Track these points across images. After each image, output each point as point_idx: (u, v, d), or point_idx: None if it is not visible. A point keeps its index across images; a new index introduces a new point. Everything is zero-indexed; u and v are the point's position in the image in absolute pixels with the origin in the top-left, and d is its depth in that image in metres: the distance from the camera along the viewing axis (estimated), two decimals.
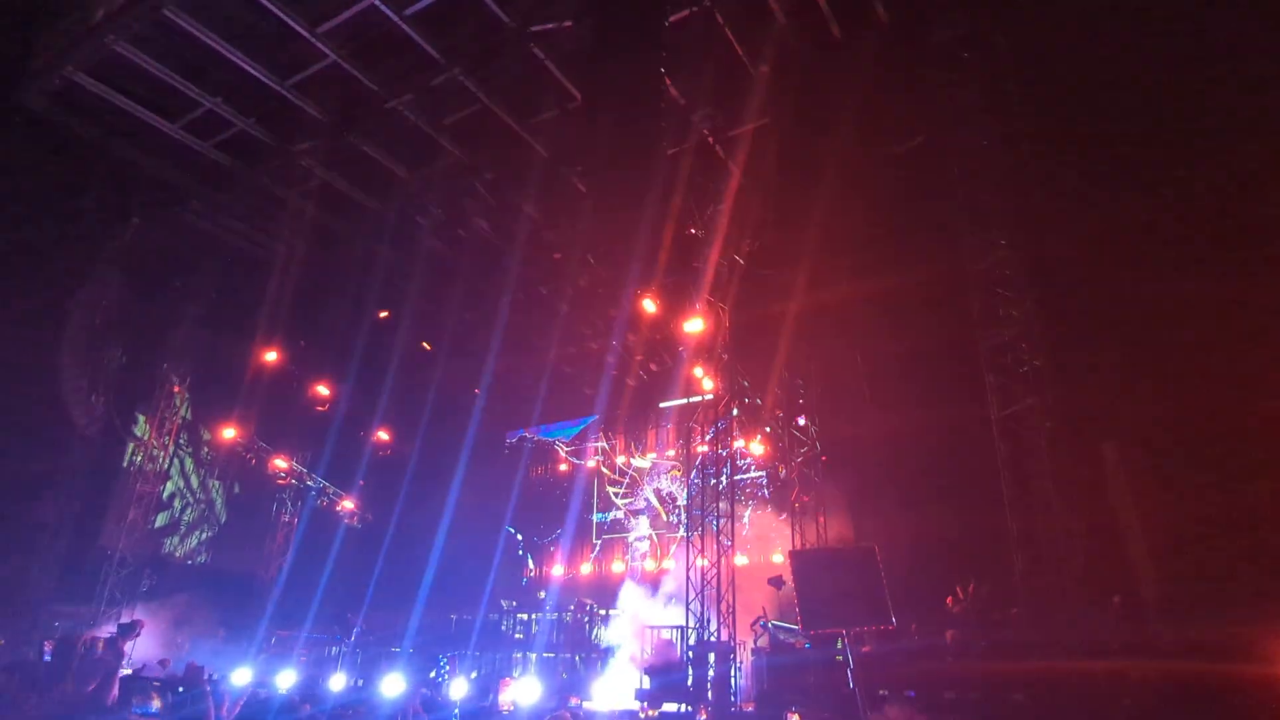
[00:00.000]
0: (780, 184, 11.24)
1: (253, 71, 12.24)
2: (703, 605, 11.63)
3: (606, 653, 13.21)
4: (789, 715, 7.48)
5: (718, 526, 12.32)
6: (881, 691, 8.11)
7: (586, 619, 14.20)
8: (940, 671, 8.32)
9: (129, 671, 9.35)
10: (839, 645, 7.97)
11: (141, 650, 12.81)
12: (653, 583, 15.05)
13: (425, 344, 16.58)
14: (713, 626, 11.26)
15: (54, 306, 14.48)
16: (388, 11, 11.04)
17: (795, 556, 6.70)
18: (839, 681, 7.31)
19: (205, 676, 5.44)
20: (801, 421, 14.14)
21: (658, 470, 17.08)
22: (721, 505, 12.41)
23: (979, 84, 10.48)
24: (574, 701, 8.33)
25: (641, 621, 13.50)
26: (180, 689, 6.31)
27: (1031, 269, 10.31)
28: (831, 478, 13.59)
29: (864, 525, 12.88)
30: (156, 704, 4.81)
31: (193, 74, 12.46)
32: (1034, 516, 9.49)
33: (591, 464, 18.32)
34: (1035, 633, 8.77)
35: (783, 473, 13.75)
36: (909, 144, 11.31)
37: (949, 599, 10.00)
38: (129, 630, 11.04)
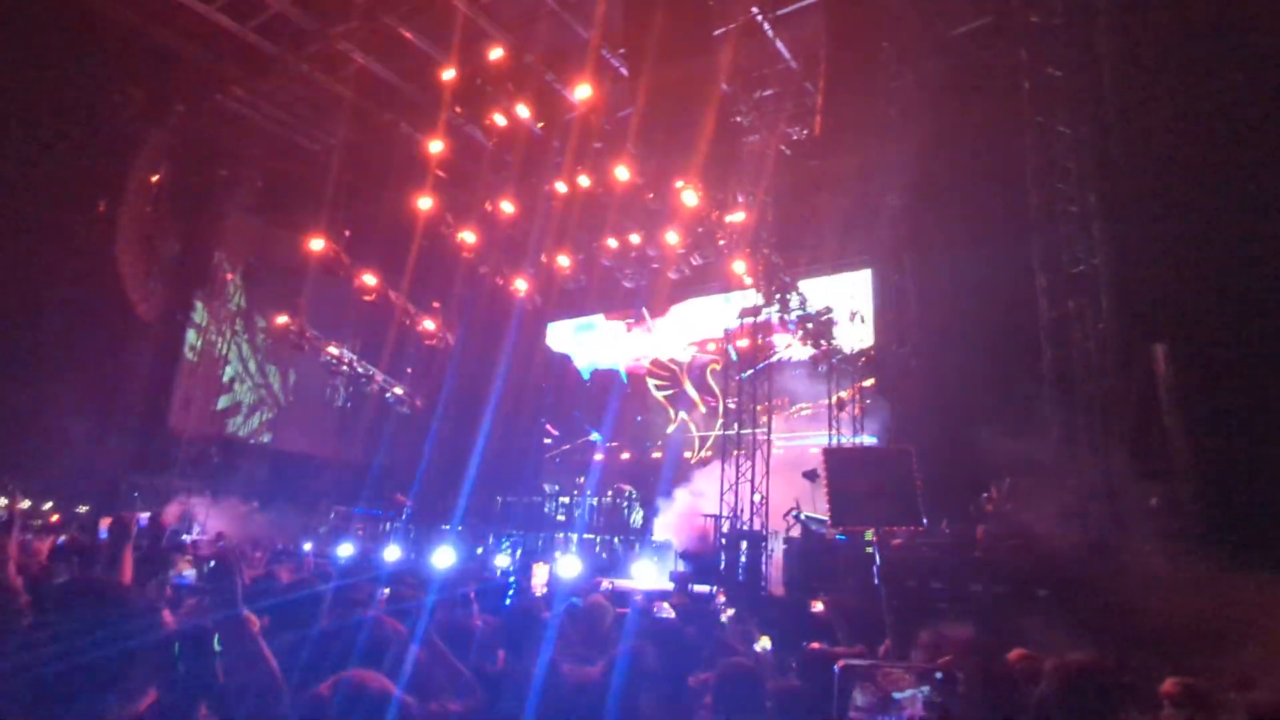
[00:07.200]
0: (832, 68, 10.57)
1: None
2: (736, 495, 11.97)
3: (644, 534, 13.75)
4: (815, 601, 7.76)
5: (753, 420, 12.50)
6: (909, 583, 8.36)
7: (624, 503, 14.75)
8: (968, 566, 8.50)
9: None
10: (868, 539, 8.16)
11: (217, 525, 13.82)
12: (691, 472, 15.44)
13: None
14: (746, 515, 11.64)
15: (109, 193, 14.80)
16: None
17: (829, 453, 6.67)
18: (866, 574, 7.51)
19: (234, 548, 5.47)
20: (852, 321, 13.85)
21: (697, 363, 17.19)
22: (758, 399, 12.58)
23: None
24: (605, 584, 8.75)
25: (679, 509, 13.96)
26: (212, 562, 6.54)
27: (1097, 163, 9.64)
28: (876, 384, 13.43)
29: (901, 430, 12.78)
30: (190, 572, 5.09)
31: None
32: (1075, 415, 9.34)
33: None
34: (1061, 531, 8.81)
35: (821, 369, 13.66)
36: (973, 24, 10.50)
37: (984, 496, 10.06)
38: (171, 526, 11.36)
